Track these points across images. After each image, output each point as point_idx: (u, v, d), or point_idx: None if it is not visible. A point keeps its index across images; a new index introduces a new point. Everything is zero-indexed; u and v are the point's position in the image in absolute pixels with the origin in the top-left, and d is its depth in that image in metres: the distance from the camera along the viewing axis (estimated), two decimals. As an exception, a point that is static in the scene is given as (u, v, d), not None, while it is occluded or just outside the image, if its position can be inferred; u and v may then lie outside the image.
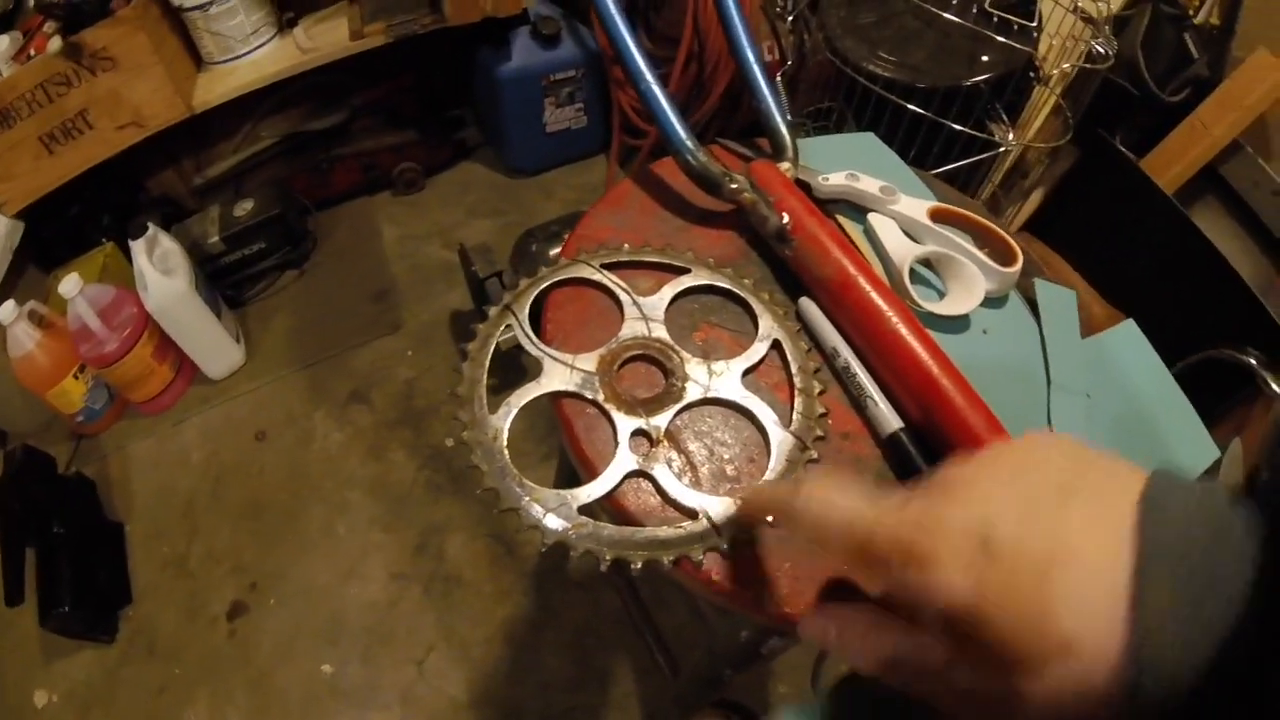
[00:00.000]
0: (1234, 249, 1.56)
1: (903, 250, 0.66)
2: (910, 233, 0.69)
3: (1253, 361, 1.40)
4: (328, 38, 1.76)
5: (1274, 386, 1.37)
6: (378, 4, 1.79)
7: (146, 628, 1.40)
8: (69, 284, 1.43)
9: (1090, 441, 0.32)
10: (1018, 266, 0.67)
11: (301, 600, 1.41)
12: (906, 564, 0.29)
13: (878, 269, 0.67)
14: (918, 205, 0.70)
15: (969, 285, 0.65)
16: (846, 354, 0.57)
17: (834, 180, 0.70)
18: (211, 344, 1.66)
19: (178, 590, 1.44)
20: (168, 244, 1.57)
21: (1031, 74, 1.32)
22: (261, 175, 1.92)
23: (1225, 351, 1.43)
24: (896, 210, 0.69)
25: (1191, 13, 1.53)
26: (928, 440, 0.54)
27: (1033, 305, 0.71)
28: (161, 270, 1.51)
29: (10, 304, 1.42)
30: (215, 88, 1.69)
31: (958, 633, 0.28)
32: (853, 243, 0.69)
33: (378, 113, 1.97)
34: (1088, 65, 1.34)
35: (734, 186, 0.64)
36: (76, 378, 1.53)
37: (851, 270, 0.57)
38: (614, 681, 1.33)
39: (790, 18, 1.37)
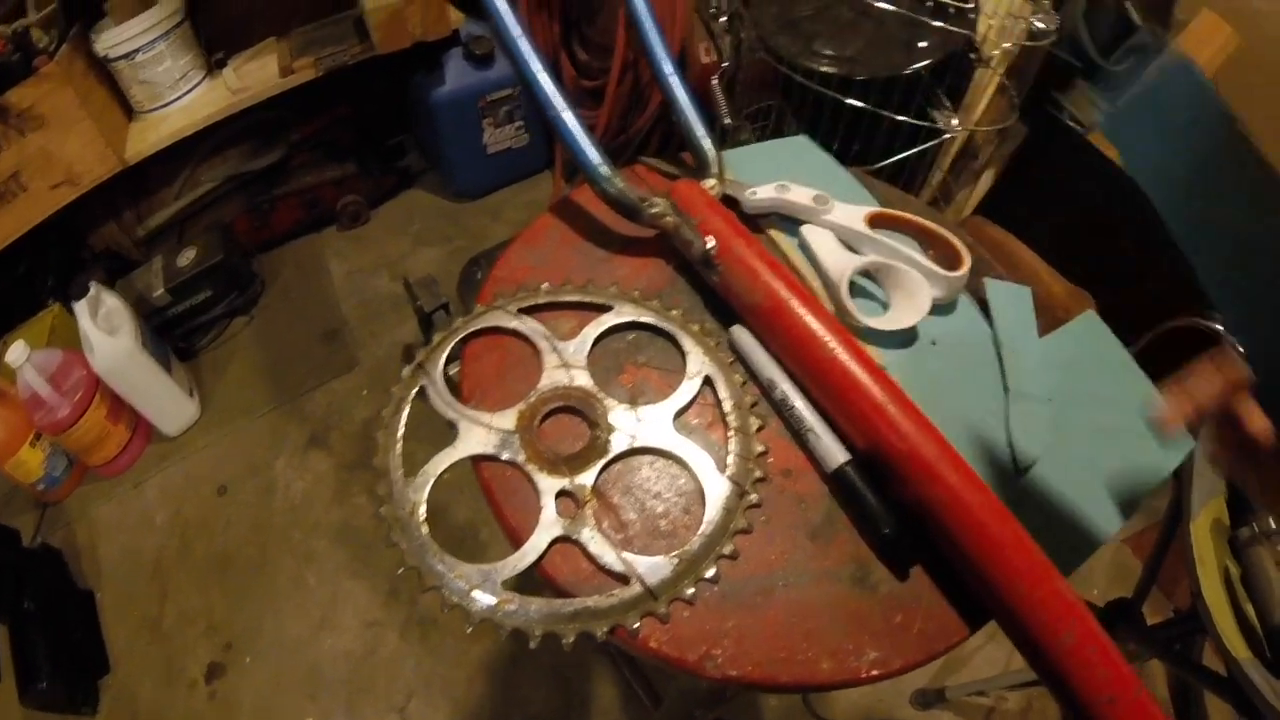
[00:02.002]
0: (1193, 214, 1.55)
1: (840, 263, 0.63)
2: (849, 242, 0.66)
3: (1219, 327, 1.38)
4: (258, 76, 1.72)
5: (1241, 351, 1.35)
6: (306, 38, 1.75)
7: (126, 696, 1.35)
8: (16, 352, 1.38)
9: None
10: (964, 270, 0.63)
11: (278, 655, 1.37)
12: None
13: (815, 285, 0.64)
14: (854, 212, 0.66)
15: (913, 295, 0.62)
16: (783, 385, 0.54)
17: (763, 194, 0.66)
18: (164, 401, 1.61)
19: (154, 655, 1.39)
20: (111, 302, 1.52)
21: (972, 56, 1.30)
22: (204, 221, 1.88)
23: (1190, 319, 1.41)
24: (831, 220, 0.66)
25: (1131, -22, 1.51)
26: (877, 470, 0.51)
27: (985, 306, 0.67)
28: (106, 329, 1.46)
29: (-39, 378, 1.38)
30: (148, 137, 1.64)
31: None
32: (787, 259, 0.66)
33: (316, 148, 1.92)
34: (1030, 42, 1.31)
35: (654, 211, 0.60)
36: (33, 446, 1.49)
37: (782, 294, 0.54)
38: (599, 710, 1.29)
39: (725, 17, 1.34)
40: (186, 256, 1.71)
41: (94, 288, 1.47)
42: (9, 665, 1.29)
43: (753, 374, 0.56)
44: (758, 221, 0.68)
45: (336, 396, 1.72)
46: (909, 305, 0.62)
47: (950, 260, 0.65)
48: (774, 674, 0.45)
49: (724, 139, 1.36)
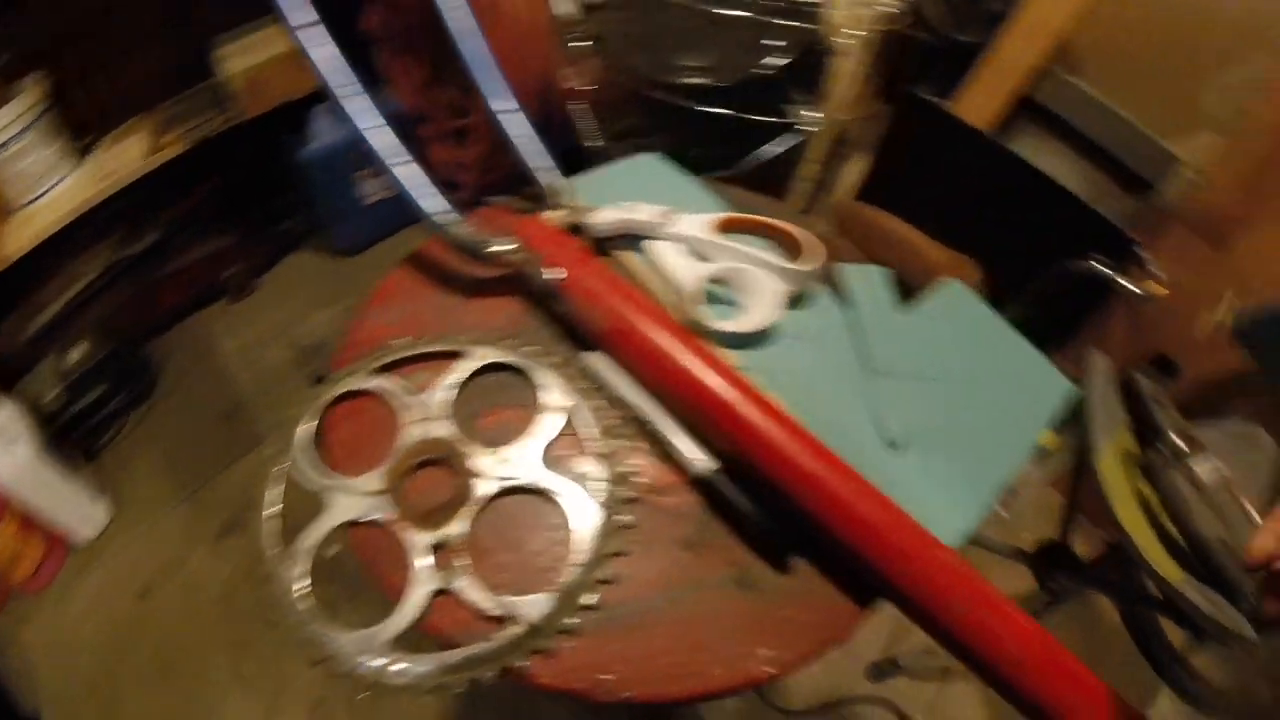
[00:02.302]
0: (1062, 167, 1.61)
1: (689, 273, 0.64)
2: (700, 252, 0.67)
3: (1101, 267, 1.44)
4: (127, 157, 1.68)
5: (1128, 286, 1.41)
6: (171, 113, 1.72)
7: (85, 821, 1.29)
8: (-82, 477, 1.32)
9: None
10: (810, 260, 0.65)
11: (231, 754, 1.33)
12: None
13: (668, 300, 0.65)
14: (700, 222, 0.68)
15: (764, 295, 0.63)
16: (640, 403, 0.55)
17: (607, 216, 0.67)
18: (74, 507, 1.55)
19: (107, 774, 1.34)
20: (6, 411, 1.46)
21: (827, 48, 1.33)
22: (90, 314, 1.81)
23: (1072, 264, 1.47)
24: (678, 232, 0.67)
25: (976, -50, 1.56)
26: (744, 472, 0.52)
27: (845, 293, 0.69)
28: (5, 441, 1.40)
29: None
30: (22, 234, 1.58)
31: None
32: (636, 278, 0.66)
33: (194, 223, 1.87)
34: (881, 27, 1.35)
35: (498, 250, 0.60)
36: (-49, 573, 1.41)
37: (625, 313, 0.55)
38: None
39: (586, 41, 1.35)
40: (77, 354, 1.66)
41: (-14, 399, 1.42)
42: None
43: (612, 397, 0.56)
44: (606, 245, 0.69)
45: (245, 476, 1.68)
46: (761, 305, 0.63)
47: (799, 253, 0.66)
48: (665, 690, 0.45)
49: (591, 163, 1.38)
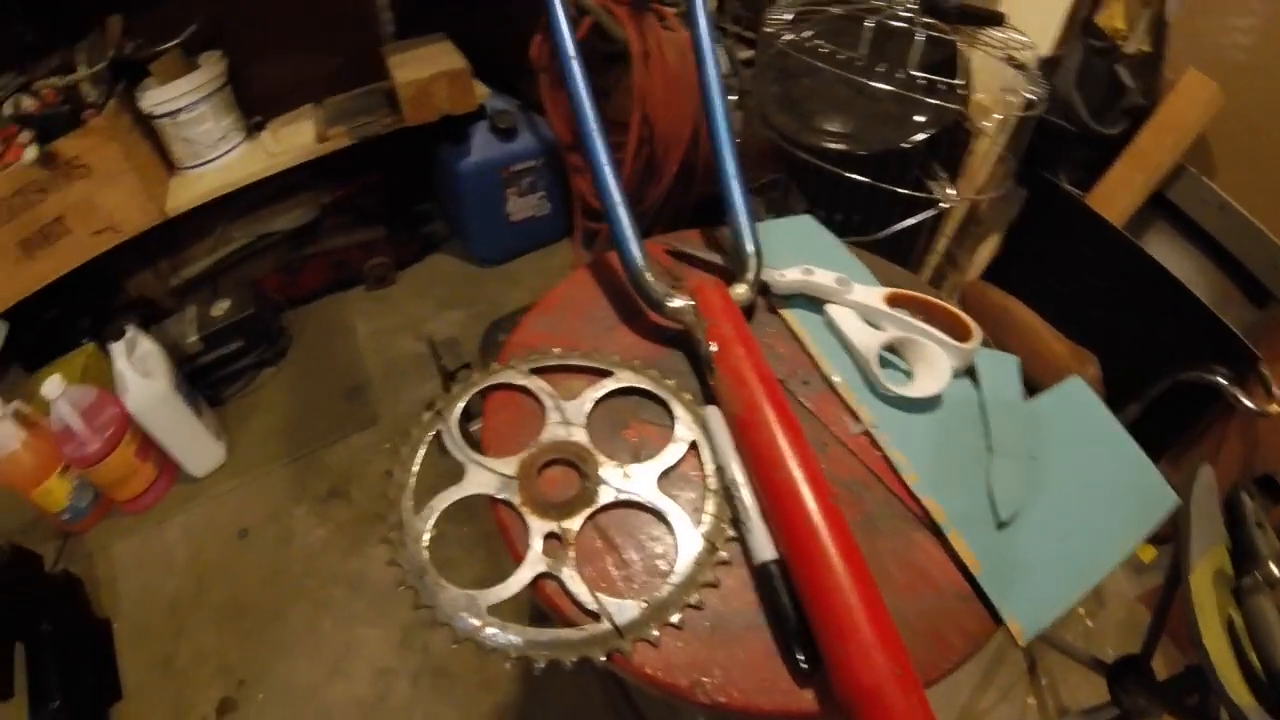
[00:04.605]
0: (1189, 270, 1.57)
1: (867, 339, 0.69)
2: (873, 321, 0.72)
3: (1220, 380, 1.39)
4: (294, 140, 1.82)
5: (1245, 402, 1.35)
6: (339, 107, 1.85)
7: (137, 725, 1.36)
8: (52, 385, 1.42)
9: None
10: (975, 341, 0.69)
11: (289, 698, 1.38)
12: None
13: (827, 363, 0.70)
14: (874, 293, 0.73)
15: (933, 365, 0.68)
16: (735, 472, 0.57)
17: (790, 276, 0.73)
18: (193, 443, 1.66)
19: (166, 689, 1.41)
20: (147, 345, 1.58)
21: (966, 127, 1.35)
22: (235, 275, 1.95)
23: (1192, 373, 1.42)
24: (853, 300, 0.73)
25: (1120, 43, 1.55)
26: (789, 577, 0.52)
27: (974, 374, 0.72)
28: (141, 372, 1.52)
29: (-5, 404, 1.42)
30: (187, 192, 1.73)
31: None
32: (800, 340, 0.72)
33: (347, 211, 2.01)
34: (1022, 113, 1.36)
35: (675, 306, 0.66)
36: (61, 477, 1.52)
37: (758, 406, 0.58)
38: (605, 759, 1.30)
39: (734, 95, 1.40)
40: (220, 308, 1.79)
41: (131, 331, 1.54)
42: (23, 685, 1.30)
43: (713, 450, 0.60)
44: (786, 301, 0.75)
45: (358, 450, 1.77)
46: (930, 375, 0.68)
47: (958, 333, 0.70)
48: (756, 702, 0.48)
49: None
